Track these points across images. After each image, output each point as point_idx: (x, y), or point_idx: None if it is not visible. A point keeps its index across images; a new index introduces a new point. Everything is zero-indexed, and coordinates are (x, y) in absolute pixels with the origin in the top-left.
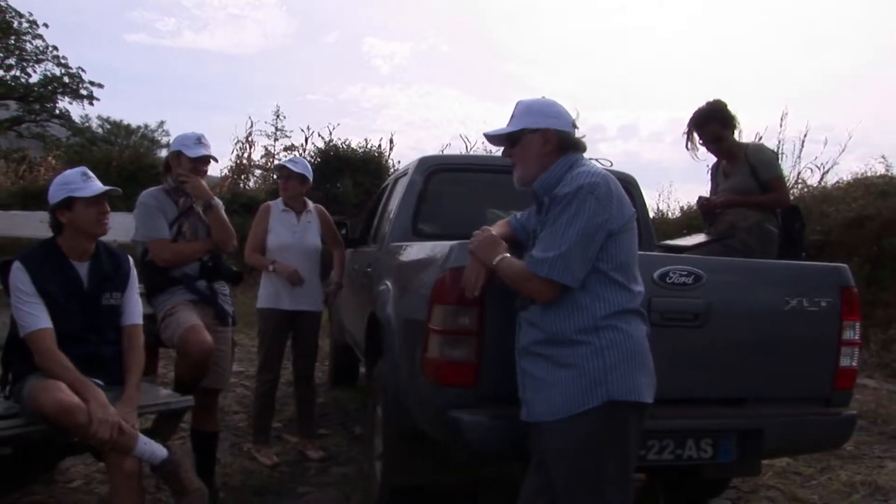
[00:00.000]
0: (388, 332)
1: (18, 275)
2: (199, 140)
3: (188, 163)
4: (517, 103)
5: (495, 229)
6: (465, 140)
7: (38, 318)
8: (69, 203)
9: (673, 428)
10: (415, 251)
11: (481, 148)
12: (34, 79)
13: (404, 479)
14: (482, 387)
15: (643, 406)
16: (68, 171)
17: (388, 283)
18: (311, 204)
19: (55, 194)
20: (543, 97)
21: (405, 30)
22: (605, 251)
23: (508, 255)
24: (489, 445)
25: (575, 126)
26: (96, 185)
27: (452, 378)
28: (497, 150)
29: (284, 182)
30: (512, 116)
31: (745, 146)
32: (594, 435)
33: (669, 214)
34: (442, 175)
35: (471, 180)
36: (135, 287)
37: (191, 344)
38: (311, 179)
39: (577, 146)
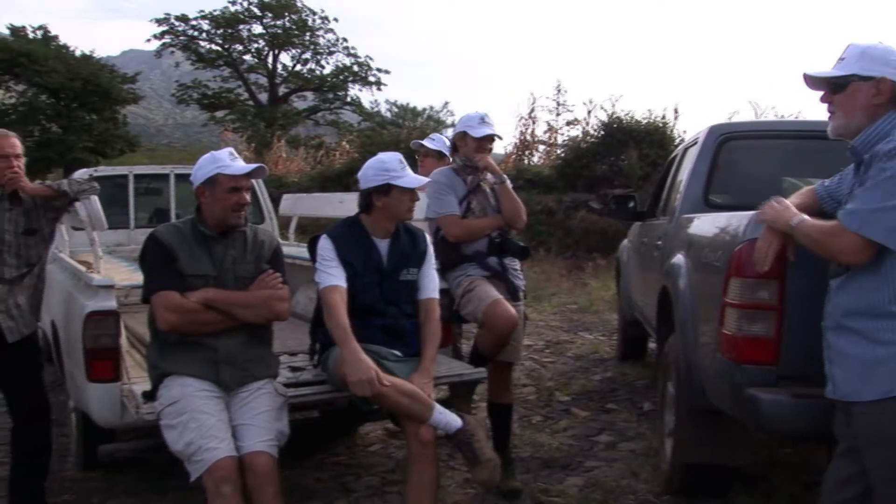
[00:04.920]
0: (681, 307)
1: (324, 243)
2: (482, 119)
3: (473, 142)
4: (848, 45)
5: (797, 198)
6: (755, 106)
7: (333, 276)
8: (387, 189)
9: None
10: (708, 223)
11: (772, 114)
12: (327, 70)
13: (696, 457)
14: (782, 364)
15: None
16: (386, 157)
17: (681, 256)
18: None
19: (374, 178)
20: (881, 42)
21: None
22: None
23: (808, 216)
24: (789, 426)
25: None
26: (413, 177)
27: (750, 354)
28: (795, 113)
29: (422, 160)
30: (840, 59)
31: None
32: None
33: None
34: (734, 143)
35: (764, 147)
36: (431, 263)
37: (497, 317)
38: (448, 155)
39: None
